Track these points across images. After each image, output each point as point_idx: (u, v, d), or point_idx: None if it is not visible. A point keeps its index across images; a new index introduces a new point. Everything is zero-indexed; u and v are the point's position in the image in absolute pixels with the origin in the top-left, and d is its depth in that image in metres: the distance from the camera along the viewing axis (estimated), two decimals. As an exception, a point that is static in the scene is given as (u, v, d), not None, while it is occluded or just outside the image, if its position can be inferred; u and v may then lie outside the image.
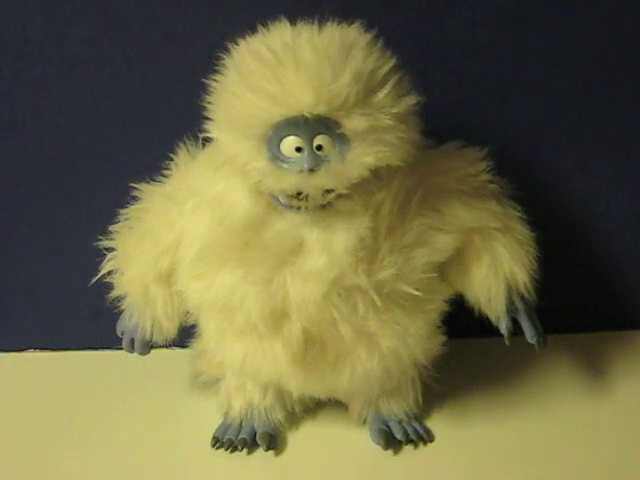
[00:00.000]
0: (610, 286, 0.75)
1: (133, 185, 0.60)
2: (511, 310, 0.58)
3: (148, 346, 0.61)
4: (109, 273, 0.60)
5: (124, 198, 0.60)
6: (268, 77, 0.48)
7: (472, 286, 0.58)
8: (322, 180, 0.49)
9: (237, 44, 0.52)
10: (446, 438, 0.62)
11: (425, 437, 0.62)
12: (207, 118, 0.52)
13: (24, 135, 0.69)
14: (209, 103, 0.52)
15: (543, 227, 0.59)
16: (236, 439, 0.62)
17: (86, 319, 0.73)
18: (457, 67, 0.67)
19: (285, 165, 0.50)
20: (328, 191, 0.50)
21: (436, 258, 0.55)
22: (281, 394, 0.62)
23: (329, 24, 0.51)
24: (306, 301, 0.52)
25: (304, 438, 0.63)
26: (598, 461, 0.60)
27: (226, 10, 0.65)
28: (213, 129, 0.52)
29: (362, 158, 0.49)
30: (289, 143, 0.49)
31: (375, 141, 0.49)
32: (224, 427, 0.63)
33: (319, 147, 0.49)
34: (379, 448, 0.61)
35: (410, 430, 0.62)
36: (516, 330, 0.58)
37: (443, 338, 0.61)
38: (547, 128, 0.69)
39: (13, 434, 0.64)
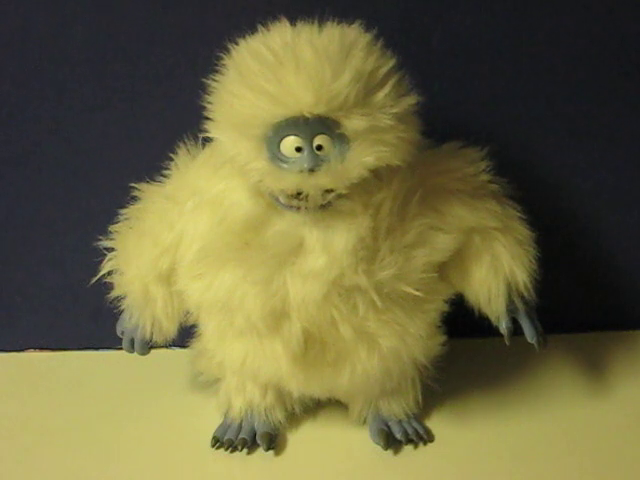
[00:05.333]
0: (610, 286, 0.75)
1: (133, 185, 0.60)
2: (511, 310, 0.58)
3: (148, 346, 0.61)
4: (109, 273, 0.60)
5: (124, 198, 0.60)
6: (268, 77, 0.48)
7: (472, 286, 0.58)
8: (322, 180, 0.49)
9: (237, 44, 0.52)
10: (446, 438, 0.62)
11: (425, 437, 0.62)
12: (207, 118, 0.52)
13: (23, 135, 0.69)
14: (209, 103, 0.52)
15: (543, 227, 0.59)
16: (236, 439, 0.62)
17: (86, 319, 0.73)
18: (457, 67, 0.67)
19: (285, 165, 0.50)
20: (328, 191, 0.50)
21: (436, 258, 0.55)
22: (281, 394, 0.62)
23: (329, 24, 0.51)
24: (306, 301, 0.52)
25: (304, 438, 0.63)
26: (598, 461, 0.60)
27: (226, 10, 0.65)
28: (213, 129, 0.52)
29: (362, 158, 0.49)
30: (289, 143, 0.49)
31: (375, 141, 0.49)
32: (224, 427, 0.63)
33: (319, 147, 0.49)
34: (379, 448, 0.61)
35: (410, 430, 0.62)
36: (516, 330, 0.58)
37: (443, 338, 0.61)
38: (547, 128, 0.69)
39: (13, 434, 0.64)
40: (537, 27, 0.66)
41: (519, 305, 0.58)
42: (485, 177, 0.58)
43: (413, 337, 0.56)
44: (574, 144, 0.70)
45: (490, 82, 0.68)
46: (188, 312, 0.59)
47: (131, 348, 0.61)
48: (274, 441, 0.62)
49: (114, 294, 0.60)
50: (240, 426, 0.63)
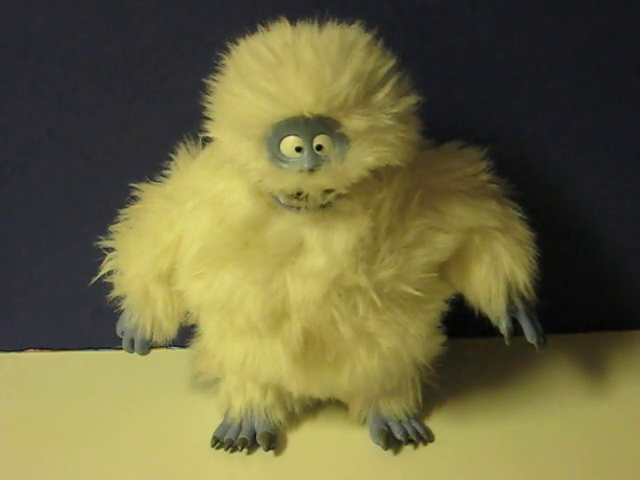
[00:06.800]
0: (610, 286, 0.75)
1: (133, 185, 0.60)
2: (511, 310, 0.58)
3: (148, 346, 0.61)
4: (109, 273, 0.60)
5: (124, 198, 0.60)
6: (268, 77, 0.48)
7: (472, 286, 0.58)
8: (322, 180, 0.49)
9: (237, 44, 0.52)
10: (446, 438, 0.62)
11: (425, 437, 0.62)
12: (207, 118, 0.52)
13: (23, 135, 0.69)
14: (209, 103, 0.52)
15: (543, 227, 0.59)
16: (236, 439, 0.62)
17: (86, 319, 0.73)
18: (457, 67, 0.67)
19: (285, 165, 0.50)
20: (328, 191, 0.50)
21: (436, 258, 0.55)
22: (281, 394, 0.62)
23: (329, 24, 0.51)
24: (306, 301, 0.52)
25: (304, 438, 0.63)
26: (598, 461, 0.60)
27: (226, 10, 0.65)
28: (213, 129, 0.52)
29: (362, 158, 0.49)
30: (289, 143, 0.49)
31: (375, 141, 0.49)
32: (224, 427, 0.63)
33: (319, 147, 0.49)
34: (379, 448, 0.61)
35: (410, 430, 0.62)
36: (516, 330, 0.58)
37: (443, 338, 0.61)
38: (547, 128, 0.69)
39: (13, 434, 0.64)
40: (537, 27, 0.66)
41: (519, 305, 0.58)
42: (485, 177, 0.58)
43: (413, 337, 0.56)
44: (574, 144, 0.70)
45: (490, 82, 0.68)
46: (188, 312, 0.59)
47: (131, 348, 0.61)
48: (274, 441, 0.62)
49: (114, 294, 0.60)
50: (240, 426, 0.63)
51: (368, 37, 0.51)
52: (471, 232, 0.56)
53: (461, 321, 0.59)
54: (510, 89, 0.68)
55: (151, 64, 0.66)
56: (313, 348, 0.55)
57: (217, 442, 0.62)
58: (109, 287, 0.60)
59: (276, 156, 0.50)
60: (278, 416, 0.63)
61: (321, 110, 0.48)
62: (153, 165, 0.60)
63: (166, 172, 0.60)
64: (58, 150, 0.69)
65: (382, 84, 0.49)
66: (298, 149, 0.49)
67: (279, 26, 0.52)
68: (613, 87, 0.68)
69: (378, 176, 0.52)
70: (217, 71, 0.52)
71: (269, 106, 0.48)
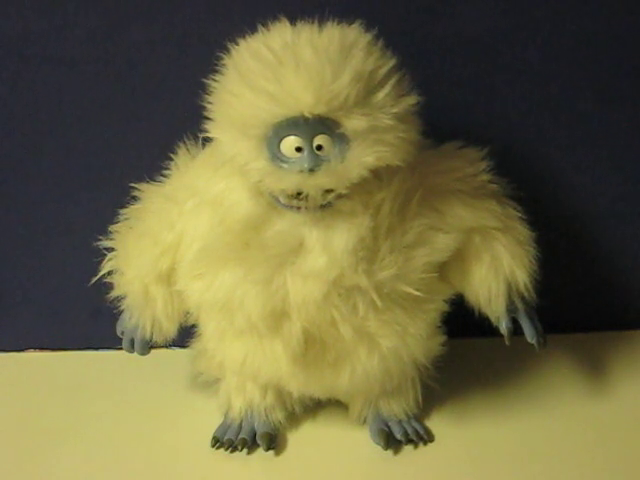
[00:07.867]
0: (610, 286, 0.75)
1: (133, 185, 0.60)
2: (511, 310, 0.58)
3: (148, 346, 0.61)
4: (109, 273, 0.60)
5: (124, 198, 0.60)
6: (268, 77, 0.48)
7: (472, 286, 0.58)
8: (322, 180, 0.49)
9: (237, 44, 0.52)
10: (446, 438, 0.62)
11: (425, 437, 0.62)
12: (207, 118, 0.52)
13: (23, 135, 0.69)
14: (209, 103, 0.52)
15: (543, 227, 0.59)
16: (236, 439, 0.62)
17: (86, 319, 0.73)
18: (457, 67, 0.67)
19: (285, 165, 0.50)
20: (328, 191, 0.50)
21: (436, 258, 0.55)
22: (281, 394, 0.62)
23: (329, 24, 0.51)
24: (306, 301, 0.52)
25: (304, 438, 0.63)
26: (598, 461, 0.60)
27: (226, 10, 0.65)
28: (213, 129, 0.52)
29: (362, 158, 0.49)
30: (289, 143, 0.49)
31: (375, 141, 0.49)
32: (224, 427, 0.63)
33: (319, 147, 0.49)
34: (379, 448, 0.61)
35: (410, 430, 0.62)
36: (516, 330, 0.58)
37: (443, 338, 0.61)
38: (547, 128, 0.69)
39: (13, 434, 0.64)
40: (537, 27, 0.66)
41: (519, 305, 0.58)
42: (485, 177, 0.58)
43: (413, 337, 0.56)
44: (574, 144, 0.70)
45: (490, 82, 0.68)
46: (188, 312, 0.59)
47: (131, 348, 0.61)
48: (274, 441, 0.62)
49: (114, 294, 0.60)
50: (240, 426, 0.63)
51: (368, 37, 0.51)
52: (471, 232, 0.56)
53: (461, 321, 0.59)
54: (510, 89, 0.68)
55: (151, 64, 0.66)
56: (313, 348, 0.55)
57: (217, 442, 0.62)
58: (109, 287, 0.60)
59: (276, 156, 0.50)
60: (278, 416, 0.63)
61: (321, 110, 0.48)
62: (153, 165, 0.60)
63: (166, 172, 0.60)
64: (58, 150, 0.69)
65: (382, 84, 0.49)
66: (298, 149, 0.49)
67: (279, 26, 0.52)
68: (613, 87, 0.68)
69: (378, 176, 0.52)
70: (217, 71, 0.52)
71: (269, 106, 0.48)
